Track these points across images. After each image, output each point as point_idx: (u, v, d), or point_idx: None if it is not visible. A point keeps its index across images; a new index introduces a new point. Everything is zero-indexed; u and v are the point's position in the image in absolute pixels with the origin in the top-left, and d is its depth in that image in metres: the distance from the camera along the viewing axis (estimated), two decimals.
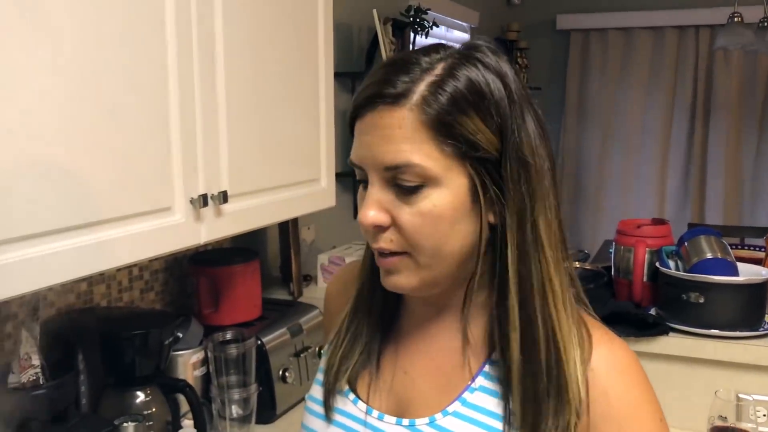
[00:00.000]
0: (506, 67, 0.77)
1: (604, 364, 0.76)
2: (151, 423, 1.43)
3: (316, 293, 2.19)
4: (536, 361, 0.75)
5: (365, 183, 0.78)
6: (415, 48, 0.79)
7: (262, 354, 1.71)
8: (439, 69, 0.74)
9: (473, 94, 0.73)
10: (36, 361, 1.23)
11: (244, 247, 2.01)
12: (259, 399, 1.67)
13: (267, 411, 1.73)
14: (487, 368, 0.79)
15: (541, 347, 0.75)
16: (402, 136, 0.73)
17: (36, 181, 1.03)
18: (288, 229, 2.20)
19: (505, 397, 0.77)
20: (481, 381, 0.79)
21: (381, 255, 0.78)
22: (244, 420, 1.64)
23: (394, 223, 0.75)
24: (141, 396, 1.46)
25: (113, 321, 1.55)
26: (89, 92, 1.11)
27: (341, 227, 2.66)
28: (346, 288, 0.93)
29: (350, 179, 2.71)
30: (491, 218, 0.76)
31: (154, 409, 1.46)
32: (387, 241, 0.76)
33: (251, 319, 1.85)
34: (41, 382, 1.24)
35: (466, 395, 0.79)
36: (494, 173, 0.75)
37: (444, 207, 0.74)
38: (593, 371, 0.76)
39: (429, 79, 0.73)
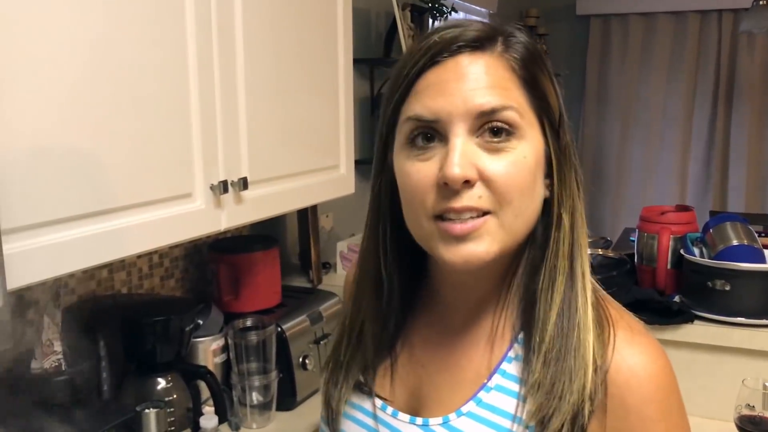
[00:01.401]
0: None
1: (623, 373, 0.71)
2: (172, 409, 1.44)
3: (335, 281, 2.19)
4: (567, 325, 0.72)
5: (420, 148, 0.71)
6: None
7: (282, 341, 1.71)
8: (502, 29, 0.73)
9: (539, 56, 0.73)
10: (58, 347, 1.24)
11: (263, 235, 2.00)
12: (279, 386, 1.67)
13: (287, 398, 1.73)
14: (504, 365, 0.75)
15: (572, 311, 0.73)
16: (495, 79, 0.70)
17: (56, 167, 1.03)
18: (307, 216, 2.19)
19: (526, 371, 0.73)
20: (497, 380, 0.75)
21: (456, 220, 0.69)
22: (264, 407, 1.64)
23: (482, 177, 0.69)
24: (162, 383, 1.46)
25: (134, 308, 1.55)
26: (109, 79, 1.10)
27: (360, 215, 2.63)
28: None
29: (369, 166, 2.69)
30: (546, 192, 0.74)
31: (175, 396, 1.47)
32: (475, 198, 0.69)
33: (271, 306, 1.85)
34: (63, 368, 1.24)
35: (482, 395, 0.75)
36: (555, 142, 0.74)
37: (530, 161, 0.71)
38: (612, 379, 0.71)
39: (500, 36, 0.72)
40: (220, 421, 1.48)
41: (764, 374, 1.51)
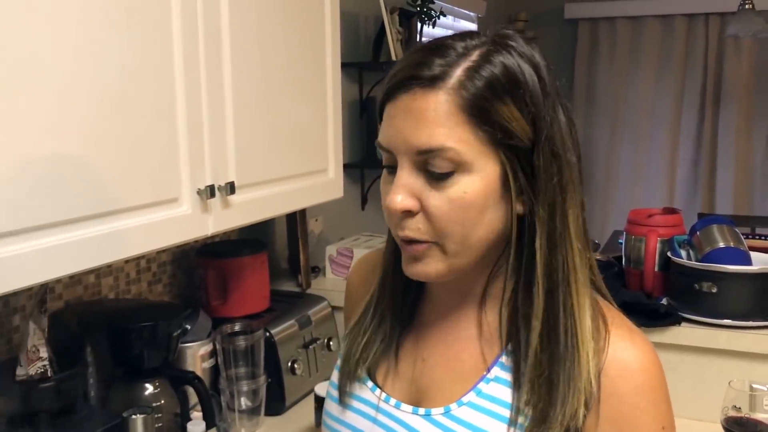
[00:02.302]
0: (539, 58, 0.77)
1: (617, 365, 0.75)
2: (159, 415, 1.43)
3: (324, 285, 2.18)
4: (555, 351, 0.75)
5: (391, 168, 0.77)
6: (445, 35, 0.80)
7: (271, 346, 1.71)
8: (474, 55, 0.74)
9: (509, 82, 0.73)
10: (44, 353, 1.23)
11: (252, 239, 2.00)
12: (268, 391, 1.66)
13: (276, 403, 1.73)
14: (503, 359, 0.79)
15: (561, 338, 0.75)
16: (437, 119, 0.72)
17: (41, 172, 1.02)
18: (296, 220, 2.19)
19: (517, 386, 0.77)
20: (496, 372, 0.79)
21: (407, 242, 0.77)
22: (253, 412, 1.64)
23: (423, 210, 0.74)
24: (150, 388, 1.46)
25: (121, 313, 1.54)
26: (95, 83, 1.10)
27: (349, 218, 2.65)
28: (369, 276, 0.93)
29: (358, 170, 2.70)
30: (519, 208, 0.76)
31: (162, 402, 1.46)
32: (414, 230, 0.75)
33: (259, 310, 1.84)
34: (49, 375, 1.23)
35: (482, 386, 0.79)
36: (525, 163, 0.75)
37: (474, 194, 0.73)
38: (606, 371, 0.75)
39: (465, 64, 0.73)
40: (209, 427, 1.48)
41: (750, 376, 1.51)
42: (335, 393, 0.89)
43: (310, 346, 1.84)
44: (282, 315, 1.83)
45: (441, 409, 0.80)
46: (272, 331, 1.73)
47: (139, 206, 1.21)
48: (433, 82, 0.72)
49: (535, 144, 0.75)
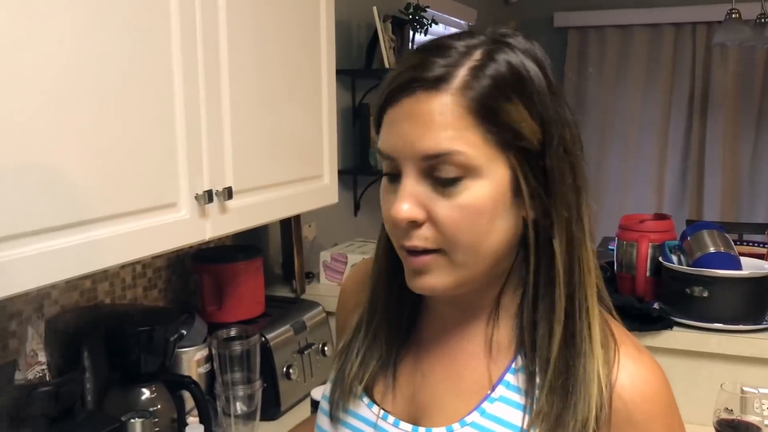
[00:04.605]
0: (541, 55, 0.73)
1: (630, 388, 0.72)
2: (156, 420, 1.43)
3: (318, 290, 2.19)
4: (571, 355, 0.72)
5: (392, 176, 0.72)
6: (443, 35, 0.76)
7: (266, 351, 1.71)
8: (477, 54, 0.70)
9: (516, 80, 0.70)
10: (42, 358, 1.23)
11: (246, 245, 2.01)
12: (263, 396, 1.67)
13: (271, 407, 1.73)
14: (507, 377, 0.76)
15: (577, 342, 0.72)
16: (443, 122, 0.68)
17: (41, 176, 1.03)
18: (290, 226, 2.19)
19: (530, 396, 0.73)
20: (501, 391, 0.75)
21: (411, 254, 0.72)
22: (248, 416, 1.64)
23: (430, 218, 0.70)
24: (146, 393, 1.46)
25: (118, 318, 1.54)
26: (93, 89, 1.11)
27: (342, 224, 2.66)
28: (363, 286, 0.88)
29: (351, 177, 2.71)
30: (530, 213, 0.72)
31: (159, 406, 1.46)
32: (421, 239, 0.70)
33: (255, 316, 1.85)
34: (47, 379, 1.23)
35: (486, 405, 0.75)
36: (536, 165, 0.71)
37: (485, 200, 0.69)
38: (618, 393, 0.72)
39: (469, 63, 0.69)
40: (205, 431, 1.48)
41: (742, 378, 1.53)
42: (328, 407, 0.85)
43: (305, 351, 1.84)
44: (277, 320, 1.84)
45: (442, 429, 0.76)
46: (268, 336, 1.74)
47: (138, 211, 1.21)
48: (437, 83, 0.68)
49: (546, 145, 0.70)
